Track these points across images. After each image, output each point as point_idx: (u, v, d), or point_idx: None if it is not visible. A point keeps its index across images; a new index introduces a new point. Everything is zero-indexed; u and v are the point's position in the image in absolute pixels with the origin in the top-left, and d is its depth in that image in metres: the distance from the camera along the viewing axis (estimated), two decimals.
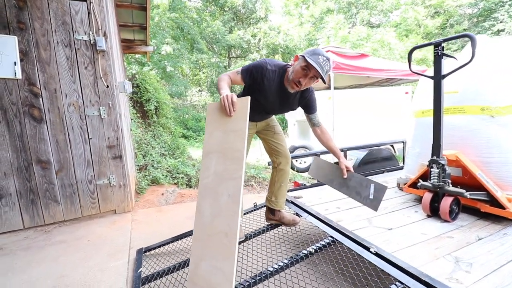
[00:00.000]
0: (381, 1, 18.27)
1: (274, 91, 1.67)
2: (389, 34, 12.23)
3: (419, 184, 1.99)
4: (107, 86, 2.70)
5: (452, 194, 1.78)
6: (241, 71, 1.62)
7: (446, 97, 1.99)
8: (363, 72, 4.64)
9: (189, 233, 2.14)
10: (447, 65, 1.89)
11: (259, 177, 4.43)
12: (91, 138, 2.70)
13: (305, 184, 2.74)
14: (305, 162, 5.00)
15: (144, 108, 5.59)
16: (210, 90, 15.17)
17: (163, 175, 3.95)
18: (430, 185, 1.86)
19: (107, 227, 2.56)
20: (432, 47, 1.84)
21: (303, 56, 1.53)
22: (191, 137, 11.38)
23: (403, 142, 3.18)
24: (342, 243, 1.56)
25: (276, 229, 2.04)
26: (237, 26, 15.00)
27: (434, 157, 1.82)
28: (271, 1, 15.23)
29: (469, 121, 1.92)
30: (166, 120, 5.87)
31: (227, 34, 13.87)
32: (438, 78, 1.78)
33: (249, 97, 1.37)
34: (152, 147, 4.87)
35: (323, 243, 1.63)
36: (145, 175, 3.90)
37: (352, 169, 1.88)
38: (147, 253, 2.07)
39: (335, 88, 4.61)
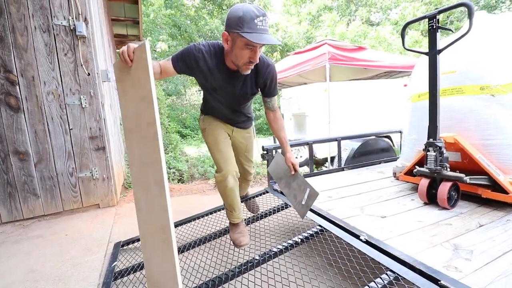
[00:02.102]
0: None
1: (217, 73, 1.37)
2: (385, 30, 12.08)
3: (415, 170, 1.86)
4: (88, 74, 2.58)
5: (451, 179, 1.65)
6: (171, 58, 1.32)
7: (443, 78, 1.86)
8: (361, 63, 4.51)
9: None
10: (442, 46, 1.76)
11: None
12: (71, 129, 2.58)
13: None
14: (301, 156, 4.86)
15: None
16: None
17: None
18: (427, 170, 1.73)
19: (88, 221, 2.44)
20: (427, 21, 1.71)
21: (238, 33, 1.16)
22: (189, 135, 11.26)
23: (400, 132, 3.04)
24: (331, 232, 1.43)
25: (262, 220, 1.91)
26: None
27: (431, 140, 1.69)
28: (270, 0, 15.13)
29: (468, 101, 1.79)
30: (159, 116, 5.75)
31: None
32: (433, 53, 1.64)
33: (146, 41, 1.01)
34: None
35: (311, 232, 1.50)
36: None
37: (298, 169, 1.64)
38: (125, 247, 1.94)
39: (331, 81, 4.48)
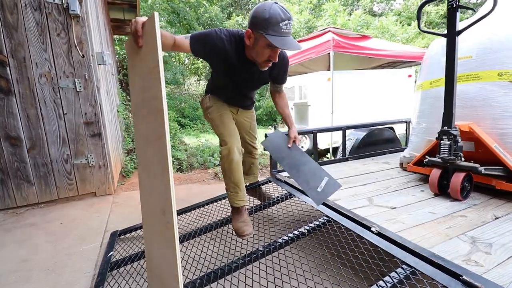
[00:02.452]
0: None
1: (236, 63, 1.39)
2: (388, 20, 11.84)
3: (426, 160, 1.78)
4: (83, 56, 2.45)
5: (464, 169, 1.57)
6: (190, 37, 1.29)
7: (459, 64, 1.76)
8: (366, 51, 4.37)
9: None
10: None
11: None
12: (66, 113, 2.47)
13: None
14: (302, 147, 4.78)
15: None
16: (208, 79, 14.82)
17: None
18: (439, 160, 1.65)
19: (83, 210, 2.36)
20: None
21: (262, 34, 1.19)
22: (187, 125, 11.14)
23: (406, 122, 2.95)
24: (339, 223, 1.36)
25: (265, 210, 1.84)
26: (235, 11, 14.55)
27: (445, 128, 1.60)
28: None
29: (484, 88, 1.70)
30: None
31: (225, 20, 13.43)
32: (452, 34, 1.54)
33: (155, 13, 0.89)
34: None
35: (317, 223, 1.43)
36: (132, 158, 3.68)
37: (298, 141, 1.72)
38: (123, 236, 1.86)
39: (335, 70, 4.35)
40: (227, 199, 2.02)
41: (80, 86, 2.46)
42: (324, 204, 1.58)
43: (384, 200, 1.63)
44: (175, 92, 14.04)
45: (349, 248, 1.24)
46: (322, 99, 4.34)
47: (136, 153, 3.48)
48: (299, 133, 2.51)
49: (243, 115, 1.85)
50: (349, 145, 2.80)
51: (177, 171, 3.88)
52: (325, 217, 1.45)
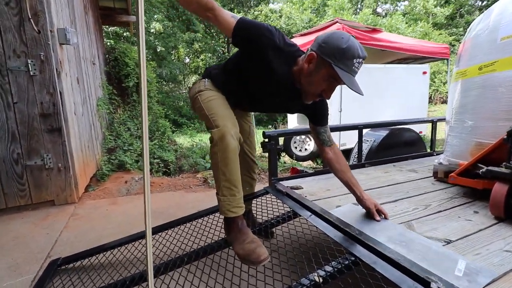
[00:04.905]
0: None
1: (275, 79, 1.11)
2: (397, 18, 11.42)
3: (482, 170, 1.29)
4: (39, 32, 1.97)
5: None
6: (238, 20, 1.04)
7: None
8: (378, 43, 3.90)
9: (133, 237, 1.46)
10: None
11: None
12: (16, 103, 1.99)
13: (305, 171, 2.04)
14: (305, 149, 4.30)
15: (123, 85, 4.87)
16: (214, 64, 14.41)
17: (132, 160, 3.25)
18: (509, 171, 1.16)
19: (32, 224, 1.87)
20: None
21: (330, 64, 0.98)
22: (184, 124, 10.70)
23: (432, 121, 2.47)
24: (374, 269, 0.87)
25: (259, 234, 1.35)
26: (237, 8, 14.12)
27: None
28: None
29: None
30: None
31: None
32: None
33: None
34: (127, 128, 4.16)
35: (338, 265, 0.94)
36: (110, 159, 3.20)
37: (386, 212, 1.18)
38: (65, 267, 1.37)
39: None
40: (216, 213, 1.55)
41: (35, 69, 1.99)
42: (344, 232, 1.10)
43: (429, 227, 1.14)
44: (173, 89, 13.60)
45: None
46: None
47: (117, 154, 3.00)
48: (302, 133, 2.03)
49: (242, 116, 1.49)
50: (365, 147, 2.32)
51: (162, 175, 3.40)
52: (349, 256, 0.96)
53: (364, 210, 1.23)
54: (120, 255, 1.35)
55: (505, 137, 1.18)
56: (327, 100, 1.29)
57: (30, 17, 1.93)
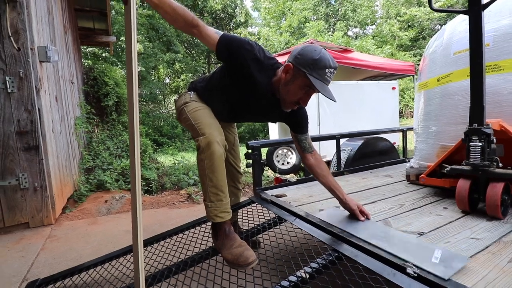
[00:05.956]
0: (356, 13, 18.83)
1: (256, 89, 1.20)
2: (367, 40, 12.31)
3: (447, 169, 1.42)
4: (19, 49, 1.96)
5: (503, 178, 1.22)
6: (221, 36, 1.11)
7: (465, 57, 1.49)
8: (350, 62, 4.19)
9: (117, 253, 1.42)
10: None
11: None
12: None
13: (288, 180, 2.11)
14: (288, 163, 4.39)
15: (101, 104, 4.80)
16: (198, 77, 14.47)
17: (112, 179, 3.16)
18: (469, 168, 1.29)
19: (5, 248, 1.76)
20: None
21: (305, 73, 1.07)
22: (165, 143, 10.55)
23: (402, 130, 2.66)
24: (356, 261, 0.93)
25: (247, 240, 1.37)
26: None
27: (475, 125, 1.26)
28: (250, 12, 15.07)
29: (509, 80, 1.41)
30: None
31: None
32: (476, 10, 1.24)
33: None
34: (107, 147, 4.07)
35: (323, 261, 0.98)
36: (89, 179, 3.09)
37: (368, 213, 1.25)
38: None
39: None
40: (202, 225, 1.55)
41: (13, 86, 1.95)
42: (327, 232, 1.16)
43: (404, 223, 1.23)
44: (153, 110, 13.48)
45: None
46: (308, 110, 4.03)
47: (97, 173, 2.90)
48: (283, 143, 2.12)
49: (226, 127, 1.54)
50: (343, 156, 2.44)
51: (144, 193, 3.32)
52: (333, 252, 1.01)
53: (346, 212, 1.30)
54: (104, 272, 1.31)
55: (463, 138, 1.32)
56: (306, 111, 1.40)
57: (10, 34, 1.93)
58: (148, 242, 1.50)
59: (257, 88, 1.19)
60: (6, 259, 1.62)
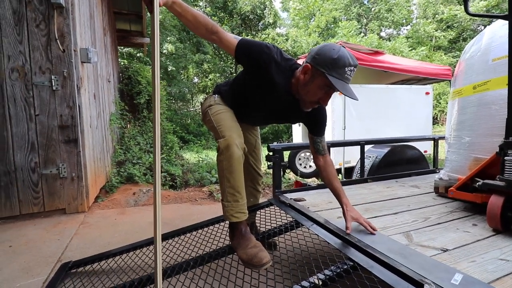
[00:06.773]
0: (392, 13, 18.04)
1: (275, 91, 1.22)
2: (400, 41, 11.74)
3: (478, 183, 1.34)
4: (63, 51, 2.15)
5: None
6: (239, 41, 1.15)
7: (502, 63, 1.39)
8: (381, 65, 4.04)
9: (141, 243, 1.51)
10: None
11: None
12: (38, 115, 2.13)
13: (309, 185, 2.09)
14: (310, 166, 4.34)
15: (134, 101, 5.09)
16: (224, 81, 14.83)
17: (140, 173, 3.34)
18: (503, 183, 1.21)
19: (44, 230, 1.95)
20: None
21: (323, 73, 1.06)
22: (191, 141, 10.89)
23: (433, 139, 2.53)
24: (371, 273, 0.91)
25: (264, 242, 1.39)
26: (245, 31, 14.74)
27: (511, 139, 1.18)
28: (279, 12, 15.05)
29: None
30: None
31: None
32: None
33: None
34: (137, 142, 4.31)
35: (337, 269, 0.98)
36: (120, 172, 3.30)
37: (373, 230, 1.18)
38: (75, 270, 1.43)
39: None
40: (221, 223, 1.60)
41: (57, 84, 2.15)
42: (344, 240, 1.14)
43: (427, 238, 1.17)
44: (181, 108, 13.98)
45: None
46: (333, 113, 3.96)
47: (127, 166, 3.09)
48: (305, 147, 2.11)
49: (249, 129, 1.61)
50: (367, 163, 2.37)
51: (169, 188, 3.47)
52: (348, 261, 1.00)
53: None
54: (129, 260, 1.41)
55: (498, 151, 1.23)
56: (326, 113, 1.39)
57: (57, 37, 2.13)
58: (169, 236, 1.58)
59: (276, 90, 1.21)
60: (45, 241, 1.79)
